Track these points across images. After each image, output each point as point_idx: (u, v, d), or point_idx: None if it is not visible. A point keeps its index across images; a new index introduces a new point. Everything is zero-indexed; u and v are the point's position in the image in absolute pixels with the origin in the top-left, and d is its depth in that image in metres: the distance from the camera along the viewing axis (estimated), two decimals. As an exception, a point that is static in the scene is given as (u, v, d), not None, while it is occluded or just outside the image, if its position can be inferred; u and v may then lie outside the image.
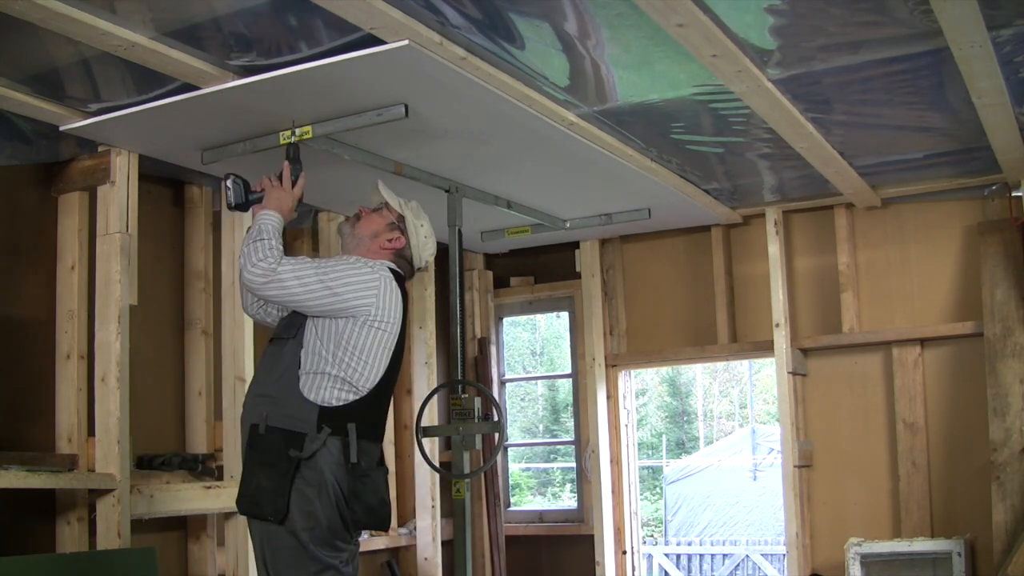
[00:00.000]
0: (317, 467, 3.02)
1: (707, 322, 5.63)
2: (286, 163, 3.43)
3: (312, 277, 3.10)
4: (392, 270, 3.28)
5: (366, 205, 3.47)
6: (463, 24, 3.03)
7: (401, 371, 5.16)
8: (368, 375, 3.14)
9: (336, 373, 3.10)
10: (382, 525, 3.24)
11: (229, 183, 3.43)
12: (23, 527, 3.68)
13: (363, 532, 4.32)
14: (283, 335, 3.22)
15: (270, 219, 3.23)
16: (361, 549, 5.06)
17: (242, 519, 4.15)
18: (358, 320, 3.13)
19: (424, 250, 3.43)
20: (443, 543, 5.39)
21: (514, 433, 10.09)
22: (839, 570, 4.95)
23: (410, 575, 5.43)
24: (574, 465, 6.29)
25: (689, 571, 14.68)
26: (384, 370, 3.20)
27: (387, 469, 3.29)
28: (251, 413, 3.15)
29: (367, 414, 3.16)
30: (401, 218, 3.39)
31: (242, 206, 3.45)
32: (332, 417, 3.06)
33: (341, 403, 3.09)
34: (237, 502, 3.16)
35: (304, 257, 3.34)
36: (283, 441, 3.04)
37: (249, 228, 3.25)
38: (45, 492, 3.67)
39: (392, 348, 3.22)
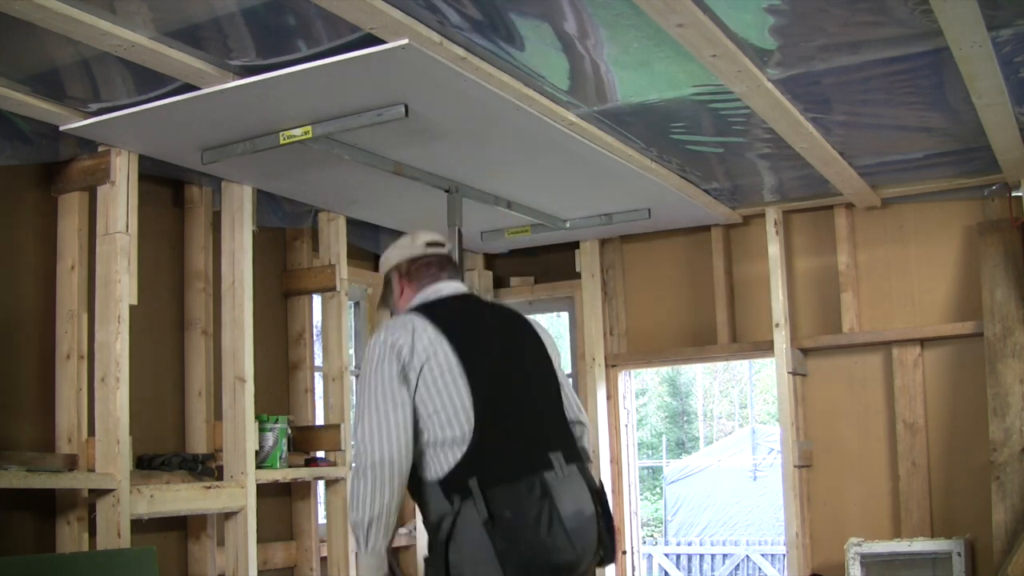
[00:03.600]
0: (459, 542, 2.63)
1: (707, 322, 5.63)
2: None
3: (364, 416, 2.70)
4: (414, 310, 2.86)
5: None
6: (463, 24, 3.03)
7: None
8: (456, 418, 2.69)
9: (430, 440, 2.71)
10: (604, 558, 2.77)
11: None
12: (23, 527, 3.69)
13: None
14: None
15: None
16: (361, 549, 5.08)
17: (242, 517, 4.16)
18: (410, 383, 2.72)
19: (392, 258, 3.05)
20: (443, 543, 5.38)
21: (514, 433, 10.08)
22: (839, 570, 4.95)
23: (410, 575, 5.43)
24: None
25: (689, 571, 14.69)
26: (471, 401, 2.70)
27: (550, 497, 2.65)
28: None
29: (496, 447, 2.70)
30: (386, 278, 3.08)
31: None
32: (453, 484, 2.68)
33: (455, 463, 2.68)
34: None
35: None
36: (431, 536, 2.72)
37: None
38: (45, 492, 3.67)
39: (460, 375, 2.72)
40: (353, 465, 2.80)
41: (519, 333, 2.98)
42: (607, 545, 2.79)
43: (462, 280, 3.09)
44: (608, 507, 2.84)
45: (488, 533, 2.59)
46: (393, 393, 2.69)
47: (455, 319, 2.84)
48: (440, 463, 2.71)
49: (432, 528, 2.73)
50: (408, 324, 2.77)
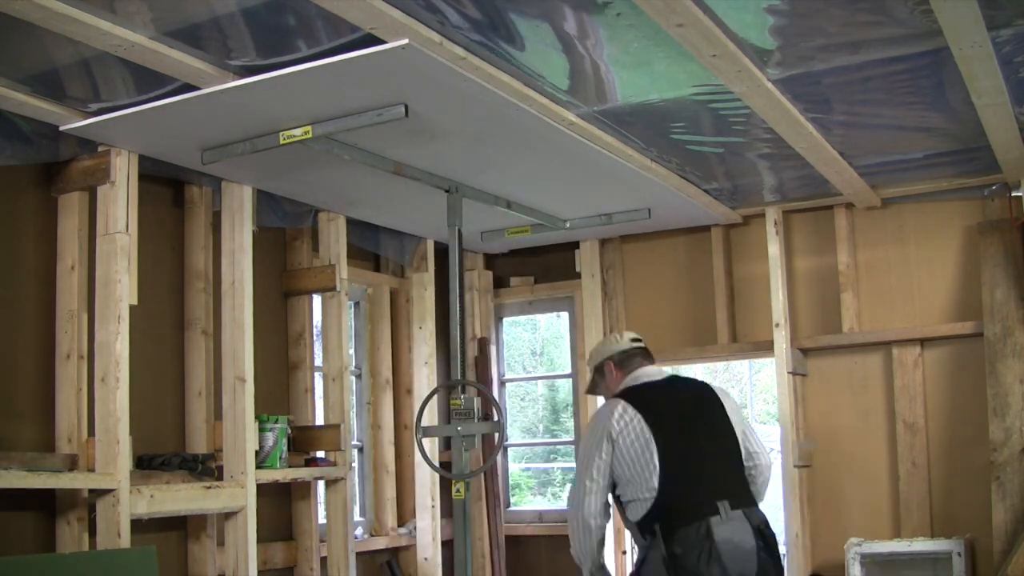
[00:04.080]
0: (646, 569, 3.58)
1: (707, 322, 5.63)
2: None
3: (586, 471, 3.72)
4: (620, 394, 3.81)
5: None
6: (463, 24, 3.03)
7: (403, 371, 5.22)
8: (642, 478, 3.62)
9: (629, 496, 3.66)
10: None
11: None
12: (23, 527, 3.68)
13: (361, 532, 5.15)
14: None
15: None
16: (361, 549, 5.10)
17: (242, 517, 4.16)
18: (613, 453, 3.68)
19: (614, 350, 4.00)
20: (443, 543, 5.39)
21: (514, 433, 10.07)
22: (839, 570, 4.95)
23: (410, 575, 5.43)
24: (574, 465, 6.28)
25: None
26: (659, 464, 3.60)
27: (711, 536, 3.51)
28: None
29: (678, 492, 3.59)
30: (599, 367, 4.01)
31: None
32: (643, 525, 3.62)
33: (644, 513, 3.61)
34: None
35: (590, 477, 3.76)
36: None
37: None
38: (45, 492, 3.67)
39: (651, 444, 3.62)
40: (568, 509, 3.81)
41: (701, 400, 3.85)
42: (768, 570, 3.56)
43: (653, 363, 4.01)
44: (771, 540, 3.62)
45: (664, 564, 3.50)
46: (600, 468, 3.67)
47: (650, 399, 3.76)
48: (638, 510, 3.62)
49: (637, 555, 3.73)
50: (617, 409, 3.70)
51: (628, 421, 3.65)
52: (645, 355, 4.00)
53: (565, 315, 6.33)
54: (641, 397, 3.75)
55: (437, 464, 4.62)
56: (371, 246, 5.40)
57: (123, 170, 3.83)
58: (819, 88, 3.69)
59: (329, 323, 4.92)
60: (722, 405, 3.86)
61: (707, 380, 4.10)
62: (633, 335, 4.04)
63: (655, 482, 3.58)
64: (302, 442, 4.83)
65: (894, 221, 5.28)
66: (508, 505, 6.31)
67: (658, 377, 3.93)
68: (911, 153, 4.57)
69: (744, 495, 3.69)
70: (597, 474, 3.66)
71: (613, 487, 3.72)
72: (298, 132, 3.65)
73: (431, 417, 5.39)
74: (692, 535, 3.50)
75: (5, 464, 3.44)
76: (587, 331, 5.84)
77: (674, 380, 4.02)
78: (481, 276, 6.11)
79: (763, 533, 3.60)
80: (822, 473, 5.32)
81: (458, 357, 4.21)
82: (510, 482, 6.72)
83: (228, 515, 4.19)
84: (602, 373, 4.01)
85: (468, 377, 5.68)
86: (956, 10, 2.97)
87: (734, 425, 3.83)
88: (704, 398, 3.87)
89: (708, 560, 3.46)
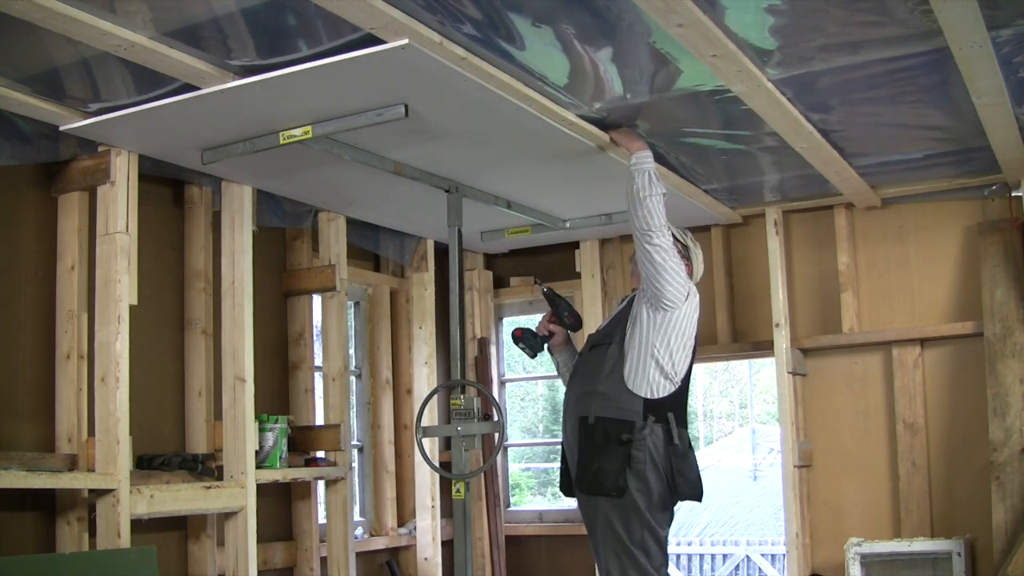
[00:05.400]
0: (646, 448, 3.69)
1: (707, 322, 5.61)
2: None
3: (666, 259, 3.77)
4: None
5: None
6: (463, 24, 3.02)
7: (403, 371, 5.26)
8: (679, 367, 3.81)
9: (657, 366, 3.77)
10: (699, 497, 3.83)
11: (522, 345, 4.26)
12: (23, 527, 3.68)
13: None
14: (603, 341, 3.93)
15: (648, 163, 3.85)
16: (361, 549, 5.10)
17: (242, 517, 4.16)
18: (675, 313, 3.79)
19: (699, 271, 4.12)
20: (443, 543, 5.39)
21: (514, 433, 10.09)
22: (839, 570, 4.95)
23: (410, 575, 5.43)
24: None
25: (689, 571, 14.67)
26: (689, 362, 3.85)
27: (694, 451, 3.88)
28: (578, 408, 3.87)
29: (681, 403, 3.85)
30: (685, 247, 4.04)
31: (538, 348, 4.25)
32: (654, 407, 3.75)
33: (663, 395, 3.77)
34: (577, 484, 3.82)
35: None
36: (616, 428, 3.71)
37: (634, 179, 3.82)
38: (45, 492, 3.67)
39: (691, 347, 3.86)
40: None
41: None
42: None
43: None
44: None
45: (666, 451, 3.77)
46: (675, 272, 3.81)
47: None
48: (662, 388, 3.80)
49: (614, 426, 3.79)
50: (694, 289, 3.90)
51: (692, 309, 3.86)
52: None
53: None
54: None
55: (437, 464, 4.62)
56: (371, 246, 5.40)
57: (123, 170, 3.83)
58: (819, 88, 3.69)
59: (329, 323, 4.92)
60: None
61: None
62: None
63: (682, 372, 3.83)
64: (302, 442, 4.83)
65: (894, 221, 5.28)
66: (508, 505, 6.31)
67: None
68: (911, 153, 4.57)
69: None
70: (672, 267, 3.78)
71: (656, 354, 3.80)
72: (298, 132, 3.65)
73: (431, 417, 5.39)
74: (685, 438, 3.81)
75: (5, 464, 3.44)
76: (587, 331, 5.83)
77: None
78: (481, 276, 6.11)
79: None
80: (822, 473, 5.32)
81: (458, 357, 4.21)
82: (510, 482, 6.72)
83: (228, 515, 4.19)
84: (683, 255, 4.01)
85: (468, 377, 5.69)
86: (956, 10, 2.97)
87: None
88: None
89: (692, 467, 3.81)
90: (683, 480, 3.75)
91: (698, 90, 3.64)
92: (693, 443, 3.90)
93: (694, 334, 3.89)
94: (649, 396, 3.76)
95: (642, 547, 3.71)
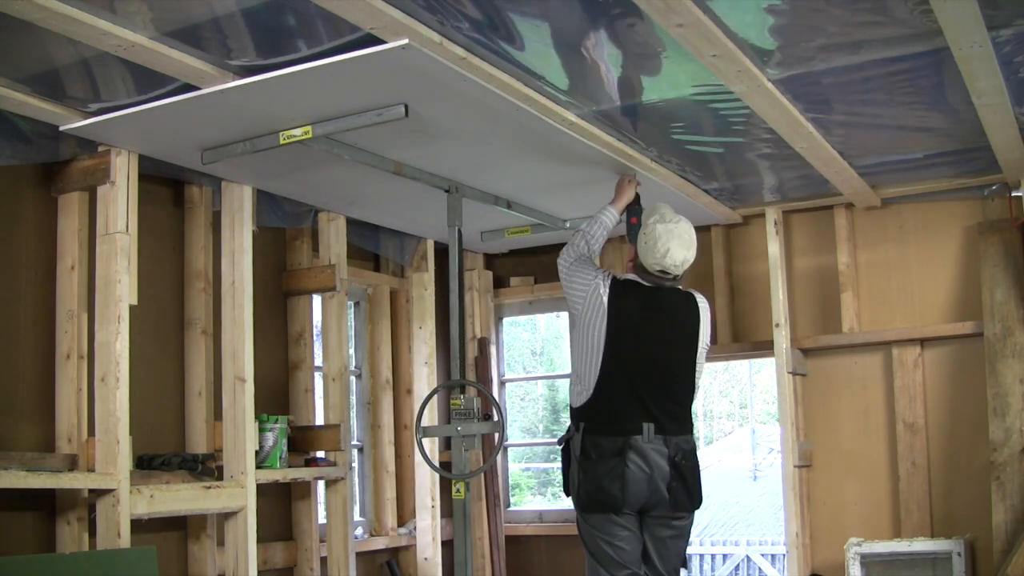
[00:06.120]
0: (571, 456, 3.75)
1: (707, 322, 5.62)
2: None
3: (568, 276, 3.85)
4: (616, 277, 3.83)
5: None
6: (463, 24, 3.02)
7: (403, 371, 5.24)
8: (588, 375, 3.72)
9: (575, 376, 3.81)
10: (615, 508, 3.66)
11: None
12: (23, 527, 3.68)
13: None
14: None
15: (606, 216, 4.10)
16: (361, 549, 5.10)
17: (242, 517, 4.17)
18: (577, 323, 3.80)
19: (649, 255, 3.79)
20: (443, 543, 5.39)
21: (514, 433, 10.07)
22: (839, 570, 4.95)
23: (410, 575, 5.43)
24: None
25: (689, 571, 14.68)
26: (599, 367, 3.70)
27: (636, 459, 3.65)
28: None
29: (596, 411, 3.72)
30: (641, 231, 3.88)
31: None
32: (576, 416, 3.77)
33: (579, 404, 3.76)
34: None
35: (592, 265, 3.94)
36: (566, 439, 3.81)
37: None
38: (45, 492, 3.67)
39: (599, 346, 3.70)
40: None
41: (676, 312, 3.85)
42: (680, 502, 3.69)
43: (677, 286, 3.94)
44: (688, 471, 3.71)
45: (576, 462, 3.70)
46: (569, 288, 3.87)
47: (628, 291, 3.78)
48: (579, 397, 3.76)
49: (567, 429, 3.84)
50: (602, 284, 3.76)
51: (596, 302, 3.74)
52: (662, 278, 3.84)
53: (565, 315, 6.34)
54: (624, 285, 3.80)
55: (437, 464, 4.62)
56: (371, 246, 5.40)
57: (123, 170, 3.83)
58: (819, 88, 3.69)
59: (329, 323, 4.92)
60: (697, 325, 3.91)
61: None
62: (676, 262, 3.81)
63: (593, 377, 3.69)
64: (302, 442, 4.83)
65: (894, 221, 5.28)
66: (508, 505, 6.31)
67: (660, 285, 3.87)
68: (911, 153, 4.57)
69: (674, 422, 3.75)
70: (567, 285, 3.86)
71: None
72: (298, 132, 3.65)
73: (431, 417, 5.39)
74: (607, 446, 3.66)
75: (5, 464, 3.44)
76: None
77: (662, 286, 3.87)
78: (481, 276, 6.11)
79: (678, 464, 3.69)
80: (822, 473, 5.32)
81: (458, 357, 4.22)
82: (510, 482, 6.72)
83: (228, 515, 4.19)
84: (634, 238, 4.00)
85: (468, 377, 5.69)
86: (956, 10, 2.97)
87: (699, 350, 3.90)
88: (680, 311, 3.89)
89: (612, 477, 3.63)
90: (591, 487, 3.68)
91: (698, 91, 3.64)
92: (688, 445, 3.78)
93: (600, 336, 3.72)
94: (575, 406, 3.81)
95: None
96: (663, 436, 3.70)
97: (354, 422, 5.36)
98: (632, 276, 3.91)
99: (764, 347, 5.39)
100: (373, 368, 5.54)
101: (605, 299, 3.74)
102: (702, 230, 5.61)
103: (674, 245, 3.77)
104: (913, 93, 3.78)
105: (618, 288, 3.79)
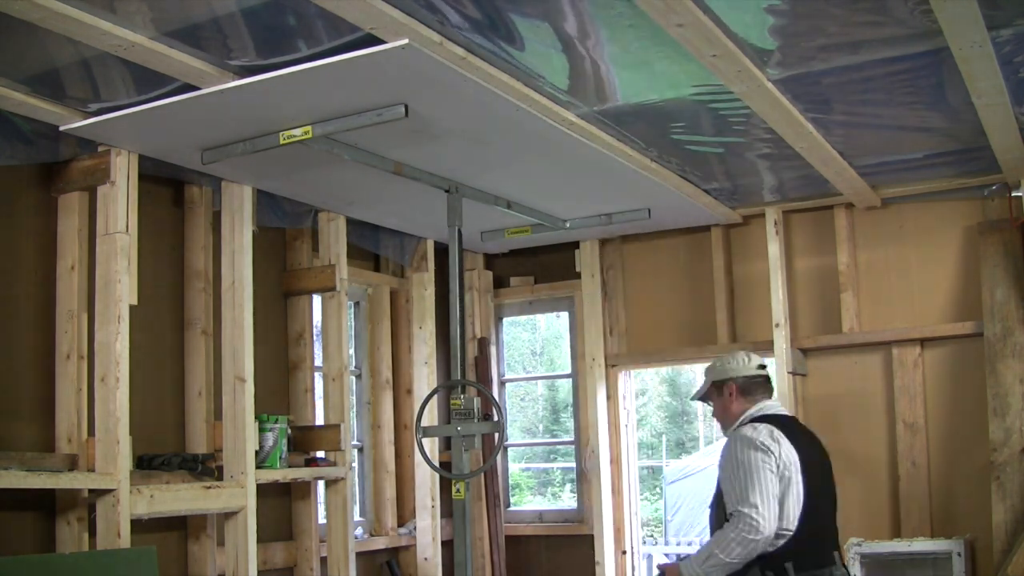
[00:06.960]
0: None
1: (707, 322, 5.63)
2: None
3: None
4: (762, 419, 3.74)
5: None
6: (463, 24, 3.03)
7: (403, 371, 5.22)
8: (787, 518, 3.61)
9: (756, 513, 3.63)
10: None
11: None
12: (23, 527, 3.68)
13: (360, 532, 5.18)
14: None
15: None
16: (361, 549, 5.10)
17: (242, 517, 4.17)
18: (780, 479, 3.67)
19: (739, 372, 3.85)
20: (443, 543, 5.39)
21: (514, 433, 10.07)
22: (839, 570, 4.95)
23: (410, 575, 5.43)
24: (574, 465, 6.29)
25: (689, 571, 14.65)
26: (803, 506, 3.62)
27: None
28: None
29: (803, 549, 3.62)
30: (719, 384, 3.89)
31: None
32: (776, 558, 3.60)
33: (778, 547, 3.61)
34: None
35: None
36: None
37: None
38: (45, 492, 3.67)
39: (800, 482, 3.63)
40: (740, 524, 3.55)
41: (821, 447, 3.88)
42: None
43: (772, 394, 3.93)
44: None
45: None
46: (774, 483, 3.56)
47: (794, 433, 3.72)
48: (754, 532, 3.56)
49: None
50: (769, 431, 3.65)
51: (782, 447, 3.62)
52: (767, 384, 3.92)
53: (565, 315, 6.34)
54: (785, 428, 3.71)
55: (437, 464, 4.62)
56: (371, 246, 5.40)
57: (123, 170, 3.84)
58: (819, 88, 3.69)
59: (329, 323, 4.92)
60: (828, 456, 3.94)
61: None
62: (760, 361, 3.93)
63: (794, 519, 3.59)
64: (302, 442, 4.83)
65: (894, 221, 5.28)
66: (508, 505, 6.32)
67: (786, 412, 3.94)
68: (911, 153, 4.57)
69: (836, 547, 3.81)
70: (771, 491, 3.56)
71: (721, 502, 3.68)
72: (298, 132, 3.65)
73: (431, 417, 5.39)
74: None
75: (5, 464, 3.44)
76: (587, 331, 5.84)
77: (795, 418, 4.01)
78: (481, 276, 6.11)
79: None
80: (822, 473, 5.31)
81: (458, 357, 4.22)
82: (510, 482, 6.73)
83: (228, 515, 4.19)
84: (720, 391, 3.91)
85: (468, 377, 5.69)
86: (956, 10, 2.97)
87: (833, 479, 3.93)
88: (822, 447, 3.92)
89: None
90: None
91: (698, 91, 3.65)
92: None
93: (796, 466, 3.68)
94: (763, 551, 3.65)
95: None
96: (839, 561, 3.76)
97: (354, 422, 5.36)
98: (751, 413, 3.81)
99: (764, 347, 5.38)
100: (373, 368, 5.54)
101: (789, 449, 3.64)
102: (702, 230, 5.65)
103: (741, 353, 3.96)
104: (913, 93, 3.79)
105: (784, 429, 3.72)
